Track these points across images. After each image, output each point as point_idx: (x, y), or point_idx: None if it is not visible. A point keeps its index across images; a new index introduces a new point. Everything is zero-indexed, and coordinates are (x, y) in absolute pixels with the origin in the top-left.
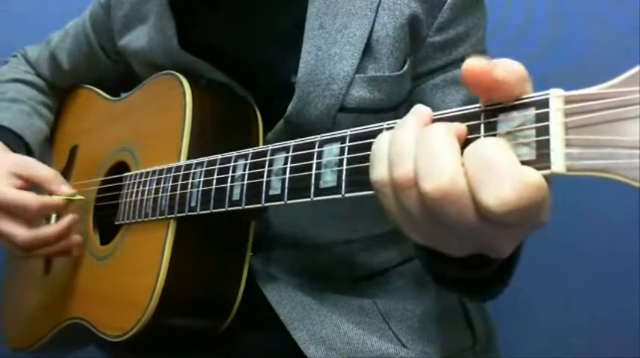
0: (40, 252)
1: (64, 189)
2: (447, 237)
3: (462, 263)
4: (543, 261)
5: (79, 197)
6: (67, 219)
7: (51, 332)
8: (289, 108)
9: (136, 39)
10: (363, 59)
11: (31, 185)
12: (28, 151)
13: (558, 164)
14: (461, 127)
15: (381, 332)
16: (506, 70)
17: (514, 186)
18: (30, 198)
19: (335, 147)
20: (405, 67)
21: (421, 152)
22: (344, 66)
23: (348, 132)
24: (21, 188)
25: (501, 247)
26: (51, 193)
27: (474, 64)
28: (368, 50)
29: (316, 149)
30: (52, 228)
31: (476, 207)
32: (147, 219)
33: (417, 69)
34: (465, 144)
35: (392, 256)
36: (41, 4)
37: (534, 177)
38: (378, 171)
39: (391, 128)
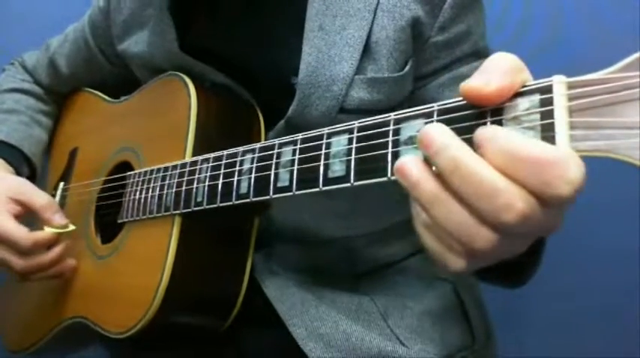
0: (35, 277)
1: (58, 219)
2: (512, 245)
3: None
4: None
5: (71, 227)
6: (60, 246)
7: (51, 333)
8: (290, 109)
9: (135, 43)
10: (362, 60)
11: (29, 211)
12: (28, 163)
13: (563, 145)
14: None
15: (380, 330)
16: (499, 72)
17: (576, 164)
18: (23, 236)
19: (343, 138)
20: (407, 69)
21: (476, 200)
22: (343, 67)
23: (356, 123)
24: (19, 214)
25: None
26: (44, 222)
27: (469, 86)
28: (367, 52)
29: (324, 141)
30: (46, 255)
31: (541, 205)
32: (152, 216)
33: (422, 69)
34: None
35: (394, 252)
36: (41, 6)
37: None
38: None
39: (398, 120)
